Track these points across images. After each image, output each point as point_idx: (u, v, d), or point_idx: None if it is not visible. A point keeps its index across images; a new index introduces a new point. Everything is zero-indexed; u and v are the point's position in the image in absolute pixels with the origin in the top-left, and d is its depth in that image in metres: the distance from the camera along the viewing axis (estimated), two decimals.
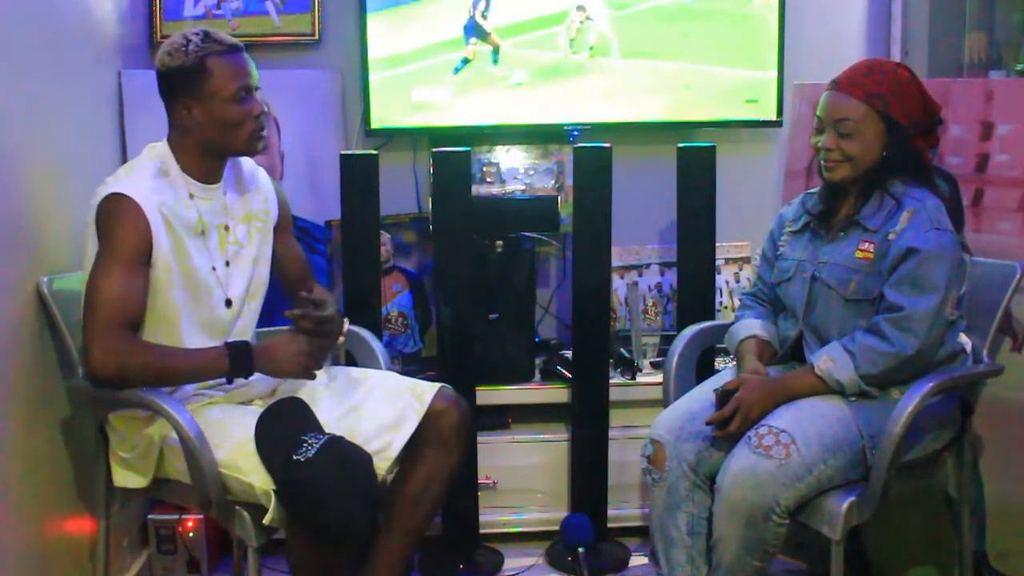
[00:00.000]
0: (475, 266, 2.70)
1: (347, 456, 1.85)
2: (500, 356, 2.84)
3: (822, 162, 2.11)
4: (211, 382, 2.03)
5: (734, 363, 2.29)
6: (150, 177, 1.99)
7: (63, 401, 2.18)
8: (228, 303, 2.08)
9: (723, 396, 2.08)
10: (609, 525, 2.76)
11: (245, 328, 2.13)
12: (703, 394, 2.19)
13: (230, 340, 2.04)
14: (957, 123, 2.60)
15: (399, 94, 3.00)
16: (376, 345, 2.42)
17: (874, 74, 2.07)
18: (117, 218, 1.92)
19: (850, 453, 1.98)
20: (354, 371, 2.24)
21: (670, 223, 2.95)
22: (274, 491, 1.83)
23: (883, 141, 2.06)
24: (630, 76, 3.04)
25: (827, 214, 2.17)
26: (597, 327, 2.71)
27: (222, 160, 2.08)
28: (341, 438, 1.88)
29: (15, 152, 2.03)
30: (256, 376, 2.04)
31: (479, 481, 2.72)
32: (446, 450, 2.10)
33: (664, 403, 2.34)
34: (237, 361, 1.94)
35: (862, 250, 2.08)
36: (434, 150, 2.64)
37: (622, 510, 2.82)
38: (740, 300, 2.42)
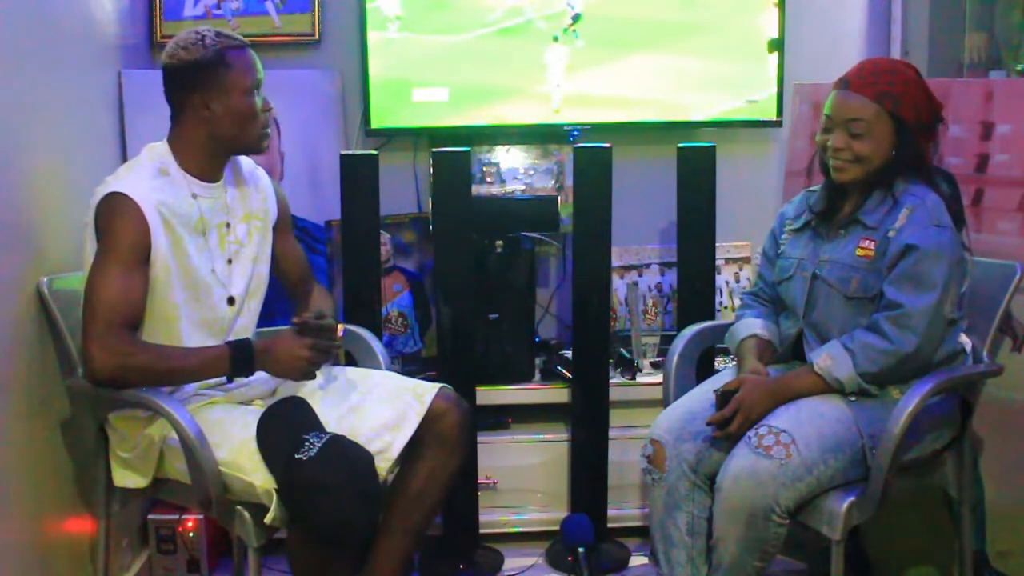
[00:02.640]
0: (475, 266, 2.71)
1: (348, 456, 1.85)
2: (500, 356, 2.84)
3: (831, 162, 2.10)
4: (211, 382, 2.03)
5: (734, 363, 2.29)
6: (149, 176, 1.99)
7: (63, 401, 2.18)
8: (231, 301, 2.08)
9: (723, 396, 2.08)
10: (609, 525, 2.76)
11: (245, 327, 2.13)
12: (703, 394, 2.19)
13: (231, 340, 2.04)
14: (957, 123, 2.59)
15: (399, 94, 3.00)
16: (376, 345, 2.42)
17: (884, 73, 2.07)
18: (116, 217, 1.92)
19: (850, 453, 1.98)
20: (354, 371, 2.24)
21: (670, 223, 2.95)
22: (275, 490, 1.84)
23: (892, 140, 2.06)
24: (630, 75, 3.04)
25: (829, 212, 2.17)
26: (597, 327, 2.71)
27: (226, 158, 2.08)
28: (343, 437, 1.88)
29: (15, 152, 2.03)
30: (257, 376, 2.04)
31: (479, 481, 2.72)
32: (447, 450, 2.10)
33: (664, 403, 2.34)
34: (238, 360, 1.94)
35: (863, 248, 2.08)
36: (434, 150, 2.64)
37: (622, 510, 2.82)
38: (741, 299, 2.42)
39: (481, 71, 3.01)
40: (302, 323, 2.01)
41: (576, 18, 3.00)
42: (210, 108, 1.98)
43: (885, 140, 2.05)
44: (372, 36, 2.94)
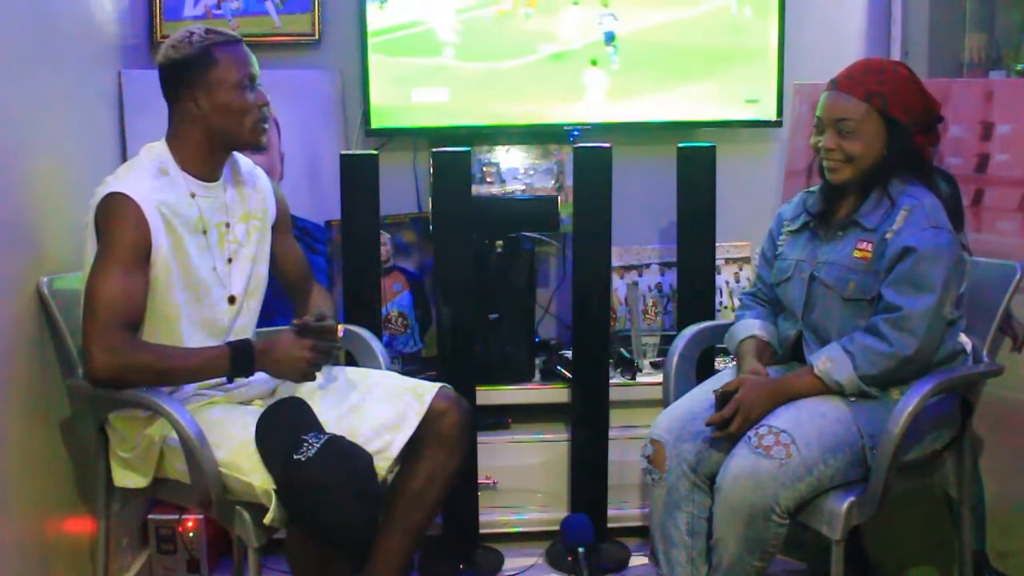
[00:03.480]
0: (475, 266, 2.70)
1: (347, 456, 1.85)
2: (500, 356, 2.84)
3: (824, 163, 2.11)
4: (211, 382, 2.03)
5: (734, 363, 2.29)
6: (149, 176, 1.99)
7: (63, 401, 2.18)
8: (231, 300, 2.08)
9: (723, 397, 2.08)
10: (609, 525, 2.76)
11: (245, 327, 2.13)
12: (703, 394, 2.19)
13: (231, 340, 2.05)
14: (957, 123, 2.59)
15: (399, 94, 3.00)
16: (376, 345, 2.42)
17: (873, 73, 2.07)
18: (116, 217, 1.92)
19: (850, 453, 1.98)
20: (354, 371, 2.24)
21: (670, 223, 2.95)
22: (274, 491, 1.84)
23: (884, 140, 2.06)
24: (629, 76, 3.04)
25: (826, 214, 2.17)
26: (597, 327, 2.71)
27: (223, 156, 2.08)
28: (342, 438, 1.88)
29: (15, 152, 2.03)
30: (257, 376, 2.04)
31: (479, 481, 2.72)
32: (447, 450, 2.10)
33: (664, 403, 2.34)
34: (238, 360, 1.94)
35: (860, 249, 2.08)
36: (434, 150, 2.64)
37: (622, 510, 2.82)
38: (740, 300, 2.42)
39: (526, 98, 3.02)
40: (302, 325, 2.01)
41: (610, 38, 3.00)
42: (199, 105, 1.99)
43: (876, 139, 2.06)
44: (425, 62, 2.97)
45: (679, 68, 3.05)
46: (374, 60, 2.96)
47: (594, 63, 3.02)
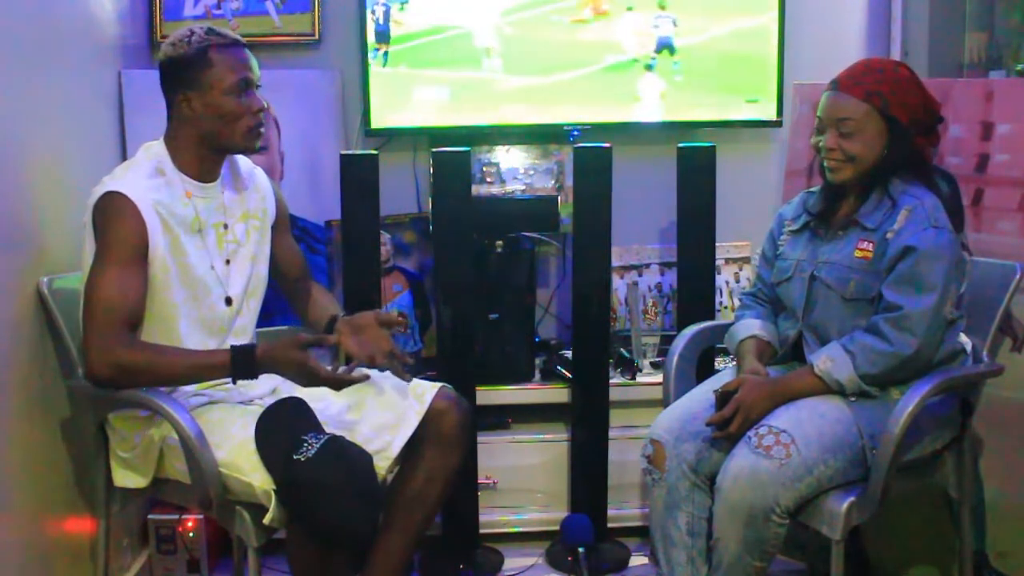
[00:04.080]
0: (475, 266, 2.70)
1: (347, 456, 1.84)
2: (500, 356, 2.84)
3: (824, 163, 2.11)
4: (211, 382, 2.02)
5: (734, 363, 2.29)
6: (146, 176, 1.98)
7: (63, 401, 2.18)
8: (228, 301, 2.08)
9: (723, 397, 2.08)
10: (609, 525, 2.76)
11: (245, 327, 2.13)
12: (703, 394, 2.19)
13: (230, 339, 2.04)
14: (957, 123, 2.60)
15: (399, 94, 3.00)
16: None
17: (874, 73, 2.07)
18: (113, 217, 1.92)
19: (850, 453, 1.98)
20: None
21: (670, 223, 2.95)
22: (274, 491, 1.83)
23: (884, 140, 2.06)
24: (629, 75, 3.04)
25: (827, 214, 2.17)
26: (597, 327, 2.71)
27: (219, 157, 2.07)
28: (341, 438, 1.88)
29: (15, 152, 2.03)
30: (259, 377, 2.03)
31: (479, 481, 2.72)
32: (447, 450, 2.10)
33: (664, 403, 2.34)
34: (239, 364, 1.92)
35: (861, 249, 2.08)
36: (434, 150, 2.64)
37: (622, 510, 2.82)
38: (740, 300, 2.42)
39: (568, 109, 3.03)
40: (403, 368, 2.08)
41: (667, 48, 3.01)
42: (192, 106, 1.98)
43: (876, 139, 2.06)
44: (463, 74, 2.96)
45: (734, 77, 3.06)
46: (395, 73, 2.95)
47: (648, 68, 3.02)
